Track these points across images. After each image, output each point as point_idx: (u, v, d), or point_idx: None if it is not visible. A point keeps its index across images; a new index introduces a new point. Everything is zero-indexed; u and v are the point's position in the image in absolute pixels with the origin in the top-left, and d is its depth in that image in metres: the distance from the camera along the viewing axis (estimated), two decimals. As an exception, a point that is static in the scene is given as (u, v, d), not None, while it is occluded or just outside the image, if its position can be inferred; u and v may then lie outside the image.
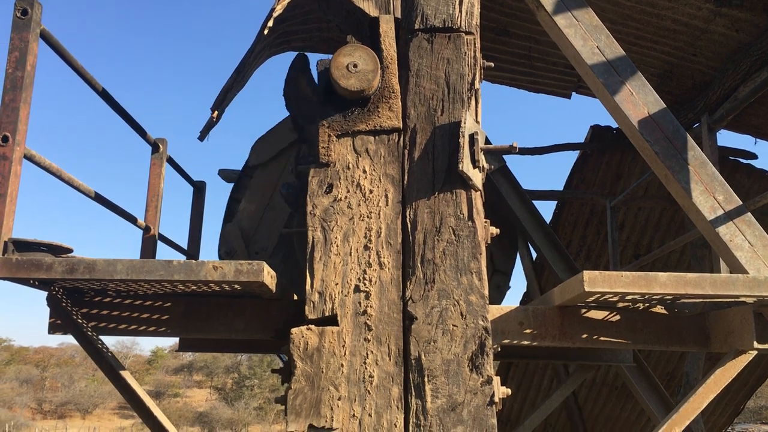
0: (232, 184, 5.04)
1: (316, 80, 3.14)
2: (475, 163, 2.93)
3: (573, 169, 7.33)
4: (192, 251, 5.23)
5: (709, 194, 3.04)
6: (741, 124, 6.26)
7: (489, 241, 3.01)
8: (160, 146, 4.38)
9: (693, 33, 5.43)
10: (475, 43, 3.13)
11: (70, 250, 2.78)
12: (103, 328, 3.13)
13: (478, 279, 2.83)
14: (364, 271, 2.84)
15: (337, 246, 2.87)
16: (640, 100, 3.17)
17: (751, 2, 5.00)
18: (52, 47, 2.97)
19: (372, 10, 3.12)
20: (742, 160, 6.79)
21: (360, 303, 2.81)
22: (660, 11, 5.28)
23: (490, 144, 5.46)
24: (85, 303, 3.14)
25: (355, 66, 2.93)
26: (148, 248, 4.22)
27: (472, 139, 2.94)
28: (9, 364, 56.96)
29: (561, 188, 7.58)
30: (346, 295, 2.81)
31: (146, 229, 4.23)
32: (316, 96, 3.10)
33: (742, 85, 5.34)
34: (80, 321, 3.08)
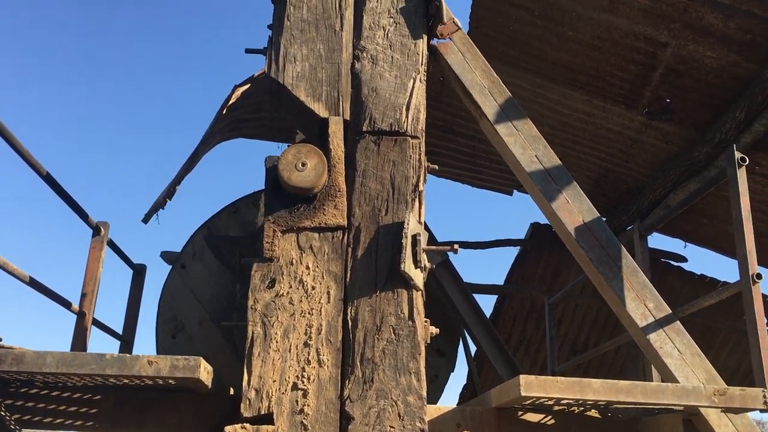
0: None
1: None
2: (417, 263, 2.99)
3: (513, 264, 7.50)
4: (127, 336, 5.09)
5: (640, 301, 3.16)
6: (672, 229, 6.55)
7: (428, 341, 3.04)
8: (102, 229, 4.32)
9: (626, 142, 5.75)
10: (420, 147, 3.25)
11: (-2, 339, 2.69)
12: (27, 421, 2.99)
13: (416, 379, 2.84)
14: (303, 369, 2.82)
15: (277, 342, 2.85)
16: (575, 207, 3.31)
17: (678, 117, 5.35)
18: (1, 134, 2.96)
19: (322, 111, 3.23)
20: (673, 263, 7.06)
21: (297, 401, 2.77)
22: (595, 120, 5.59)
23: (435, 241, 5.57)
24: (10, 394, 3.01)
25: (303, 164, 3.00)
26: (82, 334, 4.10)
27: (415, 240, 3.01)
28: None
29: (502, 282, 7.73)
30: (283, 393, 2.78)
31: (80, 315, 4.12)
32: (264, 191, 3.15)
33: (672, 192, 5.63)
34: (3, 413, 2.94)
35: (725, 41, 4.67)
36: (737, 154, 3.27)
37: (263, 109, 6.18)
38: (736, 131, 4.95)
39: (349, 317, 2.92)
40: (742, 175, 3.25)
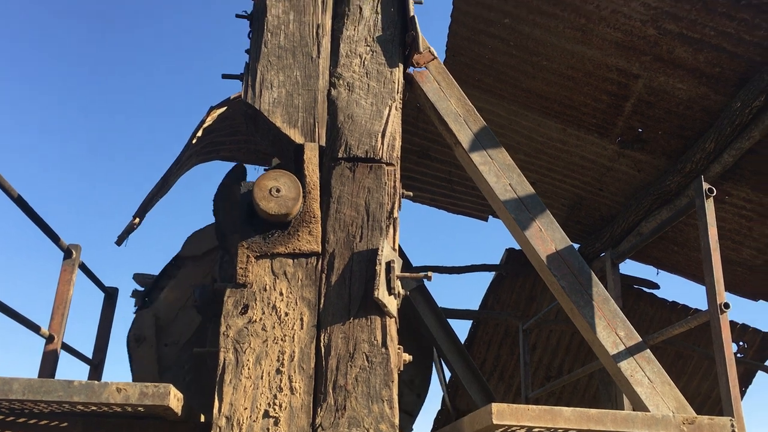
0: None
1: (239, 201, 3.19)
2: (390, 290, 3.00)
3: (489, 289, 7.54)
4: (97, 360, 5.02)
5: (611, 330, 3.19)
6: (644, 256, 6.64)
7: (401, 368, 3.04)
8: (74, 252, 4.27)
9: (599, 170, 5.84)
10: (395, 174, 3.27)
11: (-37, 365, 2.64)
12: (-10, 448, 2.92)
13: (389, 407, 2.83)
14: (275, 396, 2.80)
15: (249, 369, 2.83)
16: (548, 236, 3.35)
17: (650, 146, 5.45)
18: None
19: (298, 138, 3.24)
20: (645, 289, 7.14)
21: (269, 429, 2.74)
22: (569, 148, 5.67)
23: (410, 265, 5.57)
24: (-27, 420, 2.94)
25: (278, 191, 3.00)
26: (50, 358, 4.04)
27: (389, 267, 3.02)
28: None
29: (477, 307, 7.75)
30: (254, 421, 2.75)
31: (49, 338, 4.05)
32: (238, 215, 3.14)
33: (644, 220, 5.72)
34: (-35, 440, 2.87)
35: (695, 74, 4.78)
36: (705, 185, 3.33)
37: (240, 132, 6.19)
38: (705, 161, 5.05)
39: (322, 344, 2.91)
40: (710, 205, 3.31)
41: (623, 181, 5.87)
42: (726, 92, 4.83)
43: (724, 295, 3.19)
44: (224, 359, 2.84)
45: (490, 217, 7.23)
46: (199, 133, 5.46)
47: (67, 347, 4.31)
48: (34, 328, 3.80)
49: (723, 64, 4.66)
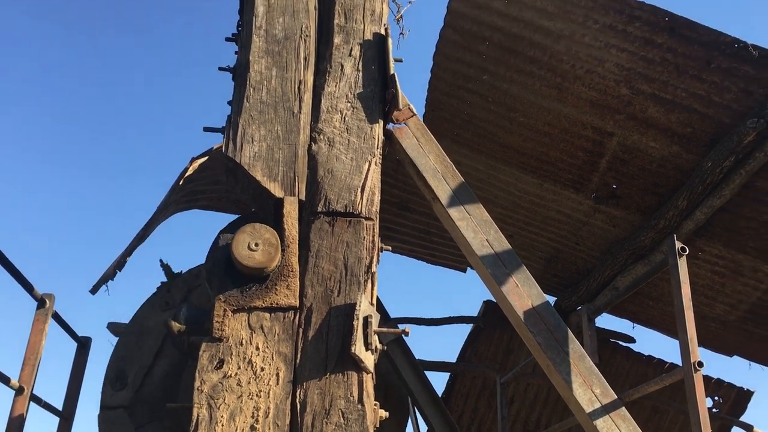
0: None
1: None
2: (368, 345, 2.99)
3: (466, 341, 7.52)
4: (67, 412, 4.90)
5: (587, 387, 3.20)
6: (619, 310, 6.69)
7: (377, 425, 3.01)
8: (47, 302, 4.21)
9: (575, 224, 5.92)
10: (374, 229, 3.30)
11: (-72, 420, 2.58)
12: (-48, 507, 2.84)
13: (364, 465, 2.79)
14: (249, 453, 2.75)
15: (222, 426, 2.79)
16: (524, 292, 3.38)
17: (625, 202, 5.55)
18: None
19: (278, 191, 3.26)
20: (621, 343, 7.17)
21: (241, 488, 2.69)
22: (546, 203, 5.75)
23: (388, 317, 5.56)
24: (-64, 477, 2.86)
25: (256, 245, 3.01)
26: (19, 411, 3.94)
27: (366, 322, 3.02)
28: None
29: (455, 358, 7.71)
30: (227, 479, 2.70)
31: (19, 390, 3.96)
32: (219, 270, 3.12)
33: (619, 275, 5.78)
34: (-73, 498, 2.79)
35: (667, 133, 4.90)
36: (678, 244, 3.40)
37: (220, 182, 6.19)
38: (678, 218, 5.14)
39: (297, 400, 2.88)
40: (682, 264, 3.37)
41: (599, 235, 5.96)
42: (697, 152, 4.95)
43: (698, 354, 3.22)
44: (197, 415, 2.80)
45: (469, 268, 7.26)
46: (181, 182, 5.47)
47: (37, 399, 4.21)
48: (4, 380, 3.72)
49: (694, 125, 4.80)
